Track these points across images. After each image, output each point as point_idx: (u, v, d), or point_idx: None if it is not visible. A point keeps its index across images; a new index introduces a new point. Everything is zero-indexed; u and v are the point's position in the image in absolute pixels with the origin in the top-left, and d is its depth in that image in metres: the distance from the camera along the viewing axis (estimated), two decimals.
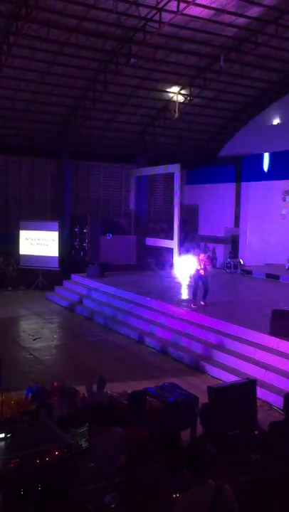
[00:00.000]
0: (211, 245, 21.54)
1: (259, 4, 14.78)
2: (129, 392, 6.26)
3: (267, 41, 16.44)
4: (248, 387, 5.27)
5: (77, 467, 4.22)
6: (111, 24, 15.12)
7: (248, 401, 5.16)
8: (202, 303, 12.26)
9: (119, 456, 3.89)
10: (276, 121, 20.43)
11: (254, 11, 15.16)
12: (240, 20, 15.58)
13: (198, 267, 12.20)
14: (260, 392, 8.15)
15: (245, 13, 15.20)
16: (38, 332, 12.74)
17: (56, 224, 18.82)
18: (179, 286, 15.66)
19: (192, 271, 12.59)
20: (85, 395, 6.22)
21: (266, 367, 8.86)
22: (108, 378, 6.95)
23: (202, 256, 12.45)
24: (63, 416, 5.34)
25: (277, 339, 9.26)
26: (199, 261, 12.25)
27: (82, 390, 6.31)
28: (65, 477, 3.79)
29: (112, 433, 4.60)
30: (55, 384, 6.21)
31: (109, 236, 20.36)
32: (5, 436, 4.07)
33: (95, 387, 6.38)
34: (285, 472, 4.30)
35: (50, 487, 3.75)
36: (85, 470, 4.29)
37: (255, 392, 5.28)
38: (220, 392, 4.98)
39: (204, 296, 12.35)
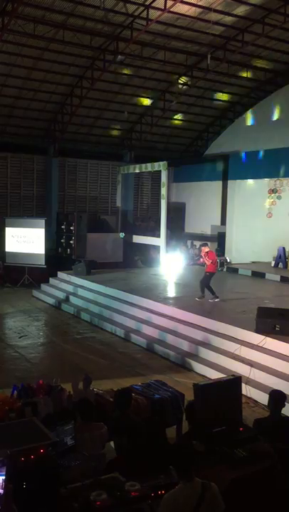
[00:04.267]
0: (197, 243, 21.60)
1: (246, 3, 14.82)
2: (115, 389, 6.26)
3: (254, 40, 16.48)
4: (233, 384, 5.27)
5: (62, 465, 4.21)
6: (98, 21, 15.07)
7: (233, 398, 5.17)
8: (197, 299, 12.43)
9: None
10: (262, 119, 20.49)
11: (241, 10, 15.19)
12: (228, 19, 15.61)
13: (207, 261, 12.28)
14: (246, 389, 8.23)
15: (232, 12, 15.23)
16: (24, 330, 12.67)
17: (42, 221, 18.73)
18: (165, 283, 15.68)
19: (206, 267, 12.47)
20: (71, 392, 6.20)
21: (251, 364, 8.92)
22: (94, 376, 6.94)
23: (206, 249, 12.46)
24: (49, 414, 5.32)
25: (263, 336, 9.33)
26: (204, 255, 12.33)
27: (68, 387, 6.28)
28: (50, 475, 3.77)
29: (96, 429, 4.57)
30: (41, 382, 6.17)
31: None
32: None
33: (81, 385, 6.36)
34: (269, 469, 4.33)
35: (36, 485, 3.74)
36: (71, 467, 4.28)
37: (240, 389, 5.30)
38: (205, 390, 4.97)
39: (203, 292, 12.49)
